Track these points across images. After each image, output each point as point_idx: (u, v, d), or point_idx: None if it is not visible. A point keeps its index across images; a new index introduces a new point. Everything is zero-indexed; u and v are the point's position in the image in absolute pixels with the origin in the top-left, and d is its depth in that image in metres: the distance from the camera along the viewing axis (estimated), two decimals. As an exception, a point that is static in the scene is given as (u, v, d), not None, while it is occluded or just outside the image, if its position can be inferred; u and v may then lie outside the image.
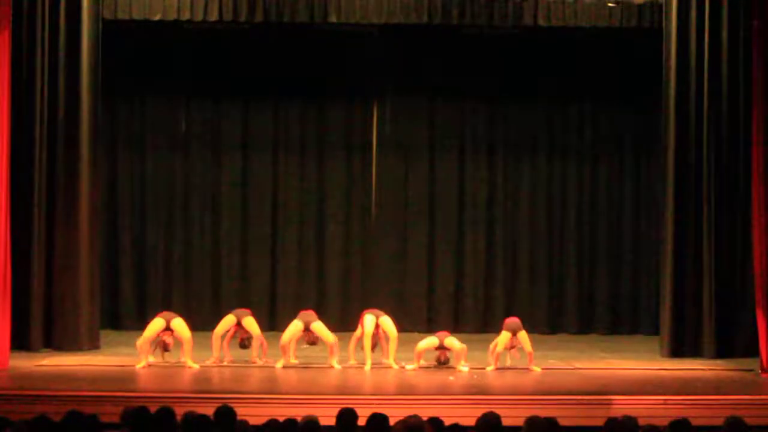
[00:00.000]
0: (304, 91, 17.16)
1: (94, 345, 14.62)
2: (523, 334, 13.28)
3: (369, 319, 13.52)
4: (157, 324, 13.28)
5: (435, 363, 13.32)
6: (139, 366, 13.00)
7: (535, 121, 17.33)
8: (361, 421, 6.94)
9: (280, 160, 17.32)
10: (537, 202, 17.45)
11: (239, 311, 13.76)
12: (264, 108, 17.24)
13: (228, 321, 13.62)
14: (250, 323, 13.55)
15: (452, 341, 13.36)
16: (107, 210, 16.63)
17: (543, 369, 13.30)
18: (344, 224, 17.32)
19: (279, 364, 13.21)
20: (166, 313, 13.54)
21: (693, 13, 14.58)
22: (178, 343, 13.28)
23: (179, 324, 13.27)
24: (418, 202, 17.38)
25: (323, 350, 13.58)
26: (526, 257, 17.36)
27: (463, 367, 13.20)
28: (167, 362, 13.29)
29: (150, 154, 17.14)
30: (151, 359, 13.22)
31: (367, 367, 13.26)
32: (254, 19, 15.05)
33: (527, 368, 13.24)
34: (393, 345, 13.51)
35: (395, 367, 13.34)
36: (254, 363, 13.45)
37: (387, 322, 13.57)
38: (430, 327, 16.43)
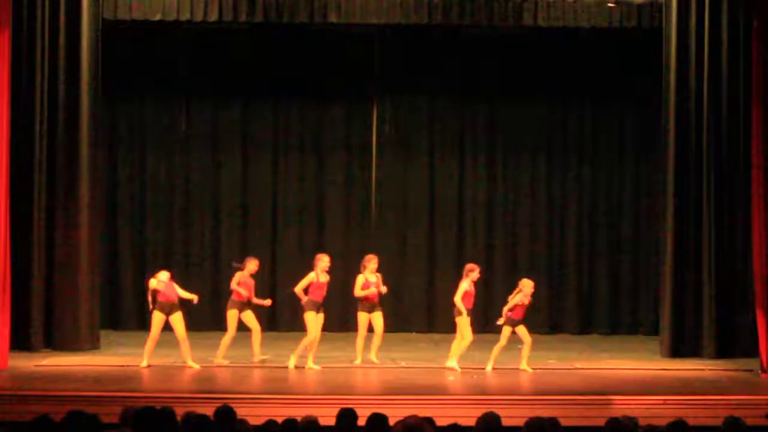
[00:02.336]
0: (304, 91, 17.17)
1: (94, 345, 14.63)
2: (521, 329, 13.28)
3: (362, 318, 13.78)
4: (159, 322, 13.22)
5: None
6: (142, 365, 13.04)
7: (535, 121, 17.33)
8: (361, 421, 6.94)
9: (280, 160, 17.33)
10: (537, 202, 17.46)
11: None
12: (264, 108, 17.25)
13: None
14: (249, 318, 13.61)
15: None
16: (107, 210, 16.63)
17: (541, 369, 13.29)
18: (344, 224, 17.33)
19: (291, 363, 13.23)
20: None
21: (693, 13, 14.58)
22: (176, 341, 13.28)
23: (177, 320, 13.23)
24: (418, 201, 17.38)
25: (323, 350, 13.60)
26: (526, 257, 17.36)
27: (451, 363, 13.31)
28: (167, 363, 13.29)
29: (150, 154, 17.15)
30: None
31: (357, 361, 13.53)
32: (254, 19, 15.06)
33: (517, 368, 13.23)
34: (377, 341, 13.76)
35: (376, 361, 13.59)
36: (253, 362, 13.49)
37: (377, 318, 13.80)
38: (430, 327, 16.45)
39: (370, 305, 13.78)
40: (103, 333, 15.09)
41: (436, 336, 16.21)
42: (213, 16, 14.96)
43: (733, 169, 14.51)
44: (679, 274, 14.64)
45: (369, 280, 13.75)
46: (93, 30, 14.60)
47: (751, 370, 13.47)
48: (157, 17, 14.95)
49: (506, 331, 13.28)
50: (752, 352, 13.74)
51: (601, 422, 7.13)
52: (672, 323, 14.58)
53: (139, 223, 17.11)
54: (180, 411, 6.85)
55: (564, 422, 6.98)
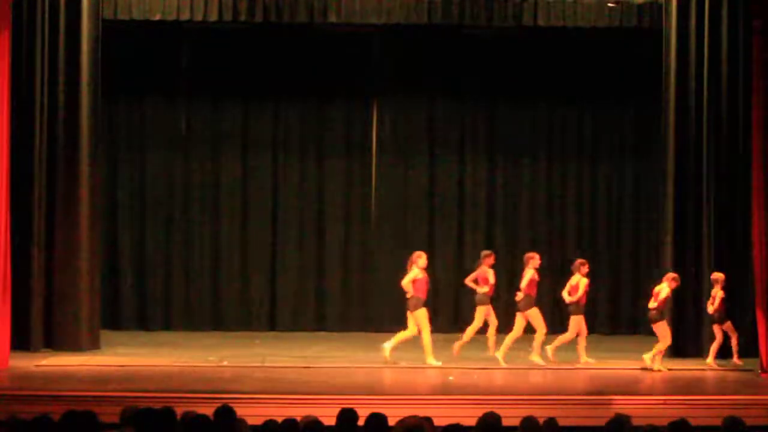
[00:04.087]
0: (304, 91, 17.17)
1: (94, 345, 14.62)
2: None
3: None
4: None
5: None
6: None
7: (535, 121, 17.34)
8: (361, 421, 6.93)
9: (280, 160, 17.33)
10: (537, 202, 17.46)
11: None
12: (264, 108, 17.25)
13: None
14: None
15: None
16: (107, 210, 16.62)
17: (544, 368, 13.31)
18: (344, 224, 17.33)
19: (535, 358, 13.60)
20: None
21: (693, 13, 14.59)
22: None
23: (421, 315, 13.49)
24: (418, 202, 17.38)
25: (323, 350, 13.59)
26: (525, 257, 17.34)
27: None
28: (167, 363, 13.27)
29: (150, 154, 17.14)
30: None
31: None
32: (254, 19, 15.07)
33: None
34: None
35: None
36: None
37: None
38: (431, 327, 16.37)
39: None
40: (103, 333, 15.08)
41: (438, 335, 16.18)
42: (213, 16, 14.97)
43: (733, 169, 14.50)
44: (679, 274, 14.62)
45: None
46: (93, 30, 14.59)
47: (751, 370, 13.47)
48: (157, 17, 14.96)
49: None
50: (752, 352, 13.74)
51: (601, 422, 7.12)
52: (672, 323, 14.57)
53: (138, 223, 17.10)
54: (180, 411, 6.85)
55: (564, 422, 6.98)
